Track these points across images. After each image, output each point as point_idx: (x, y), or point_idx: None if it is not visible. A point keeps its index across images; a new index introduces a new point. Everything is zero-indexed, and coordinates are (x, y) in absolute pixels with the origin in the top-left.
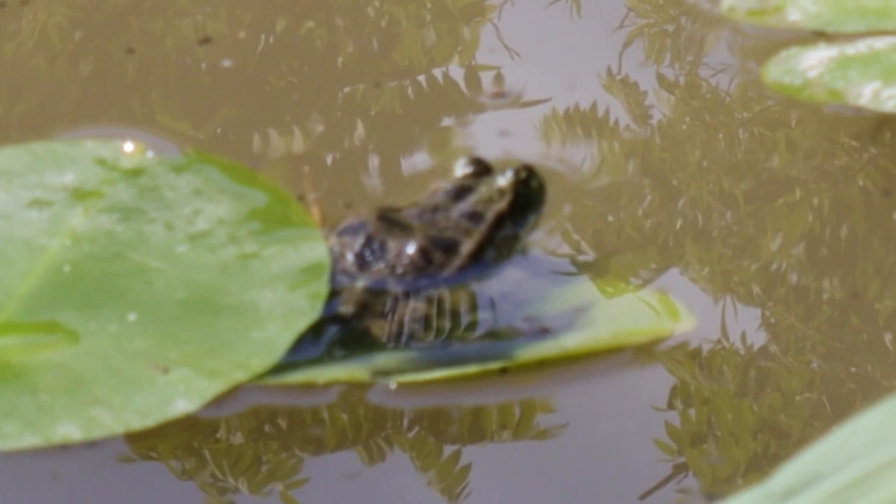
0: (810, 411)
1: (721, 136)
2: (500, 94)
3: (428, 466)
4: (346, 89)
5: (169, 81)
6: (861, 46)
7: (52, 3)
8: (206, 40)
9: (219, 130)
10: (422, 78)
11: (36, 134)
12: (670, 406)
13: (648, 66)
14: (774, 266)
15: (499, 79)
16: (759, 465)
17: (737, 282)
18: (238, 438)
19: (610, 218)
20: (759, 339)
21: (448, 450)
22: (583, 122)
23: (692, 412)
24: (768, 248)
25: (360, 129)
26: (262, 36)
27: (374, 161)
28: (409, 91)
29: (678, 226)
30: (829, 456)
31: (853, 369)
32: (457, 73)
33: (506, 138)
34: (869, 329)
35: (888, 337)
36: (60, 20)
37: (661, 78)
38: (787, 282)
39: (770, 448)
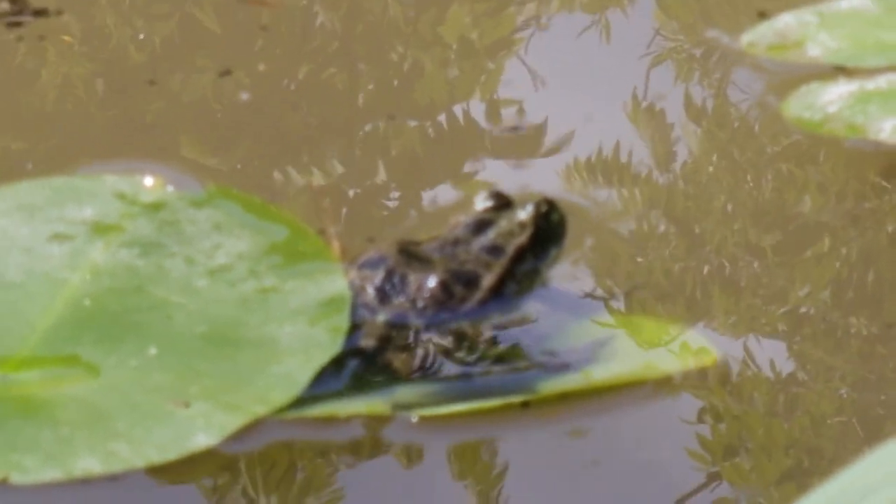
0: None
1: (749, 176)
2: (515, 128)
3: (449, 500)
4: (367, 124)
5: (189, 115)
6: (881, 81)
7: (72, 37)
8: (225, 73)
9: (239, 164)
10: (442, 112)
11: (56, 168)
12: (694, 435)
13: (669, 99)
14: (801, 306)
15: (517, 112)
16: (794, 479)
17: (763, 315)
18: (258, 472)
19: (631, 250)
20: (786, 367)
21: (469, 483)
22: (604, 156)
23: (718, 438)
24: (794, 288)
25: (380, 164)
26: (283, 69)
27: (393, 195)
28: (429, 126)
29: (701, 256)
30: (849, 488)
31: (883, 397)
32: (477, 107)
33: (526, 171)
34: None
35: None
36: (81, 52)
37: (681, 111)
38: (815, 317)
39: (803, 464)
